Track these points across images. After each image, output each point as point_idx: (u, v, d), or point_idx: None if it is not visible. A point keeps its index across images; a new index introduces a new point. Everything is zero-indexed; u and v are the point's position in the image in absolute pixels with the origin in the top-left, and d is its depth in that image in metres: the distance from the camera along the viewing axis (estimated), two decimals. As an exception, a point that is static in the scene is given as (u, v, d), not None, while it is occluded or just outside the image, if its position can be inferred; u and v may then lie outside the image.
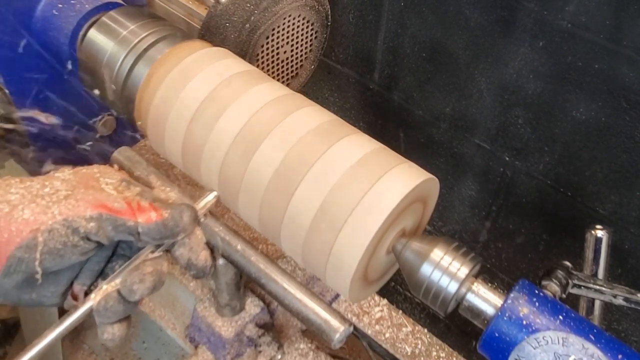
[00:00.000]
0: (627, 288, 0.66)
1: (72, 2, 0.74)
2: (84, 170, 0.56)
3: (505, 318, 0.53)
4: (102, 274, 0.55)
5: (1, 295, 0.50)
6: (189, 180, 0.92)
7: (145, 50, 0.69)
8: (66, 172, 0.55)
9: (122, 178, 0.56)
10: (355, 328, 0.79)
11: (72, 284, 0.54)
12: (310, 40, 0.91)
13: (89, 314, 0.51)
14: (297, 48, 0.89)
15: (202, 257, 0.54)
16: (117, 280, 0.51)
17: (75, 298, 0.54)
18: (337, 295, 0.83)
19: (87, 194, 0.52)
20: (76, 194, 0.52)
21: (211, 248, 0.58)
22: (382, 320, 0.80)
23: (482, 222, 1.05)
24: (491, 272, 1.08)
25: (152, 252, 0.53)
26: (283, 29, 0.85)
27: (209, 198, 0.57)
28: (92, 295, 0.51)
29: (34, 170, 0.90)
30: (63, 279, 0.53)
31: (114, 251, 0.55)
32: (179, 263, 0.54)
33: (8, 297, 0.51)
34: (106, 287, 0.51)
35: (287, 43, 0.87)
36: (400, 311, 0.81)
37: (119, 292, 0.51)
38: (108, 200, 0.52)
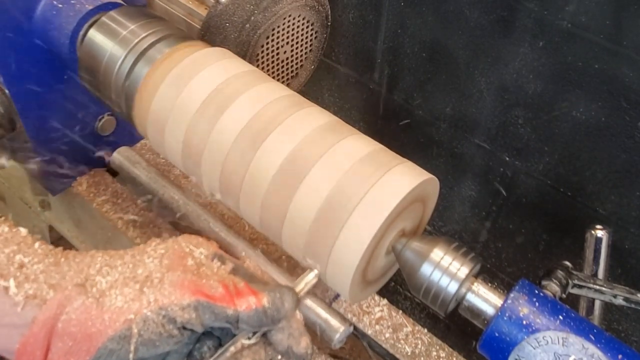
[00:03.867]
0: (627, 288, 0.66)
1: (72, 2, 0.74)
2: (175, 245, 0.52)
3: (505, 318, 0.53)
4: (189, 355, 0.51)
5: None
6: (189, 180, 0.92)
7: (145, 50, 0.69)
8: (157, 248, 0.52)
9: (214, 251, 0.53)
10: (355, 328, 0.79)
11: None
12: (310, 40, 0.91)
13: None
14: (297, 48, 0.89)
15: (303, 344, 0.51)
16: None
17: None
18: (337, 295, 0.83)
19: (182, 277, 0.48)
20: (171, 276, 0.48)
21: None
22: (382, 320, 0.80)
23: (482, 222, 1.05)
24: (491, 272, 1.08)
25: (248, 337, 0.49)
26: (283, 29, 0.85)
27: (310, 277, 0.54)
28: None
29: (34, 170, 0.90)
30: None
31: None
32: (276, 349, 0.51)
33: None
34: None
35: (287, 43, 0.87)
36: (400, 311, 0.81)
37: None
38: (205, 286, 0.48)
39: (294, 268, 0.81)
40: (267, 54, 0.85)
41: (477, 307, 0.56)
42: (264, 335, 0.51)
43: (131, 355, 0.46)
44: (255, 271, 0.55)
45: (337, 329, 0.58)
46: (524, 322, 0.53)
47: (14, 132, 0.83)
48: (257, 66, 0.85)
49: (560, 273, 0.63)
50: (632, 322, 0.94)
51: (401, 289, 1.25)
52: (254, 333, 0.50)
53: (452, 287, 0.56)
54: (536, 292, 0.55)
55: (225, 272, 0.51)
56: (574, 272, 0.64)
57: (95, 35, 0.72)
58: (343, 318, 0.59)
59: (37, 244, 0.52)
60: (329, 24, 0.92)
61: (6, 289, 0.48)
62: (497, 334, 0.53)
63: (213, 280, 0.49)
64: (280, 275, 0.62)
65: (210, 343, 0.51)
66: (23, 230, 0.53)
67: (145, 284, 0.48)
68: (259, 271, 0.58)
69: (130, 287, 0.48)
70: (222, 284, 0.49)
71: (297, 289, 0.52)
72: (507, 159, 0.94)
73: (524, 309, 0.53)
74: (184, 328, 0.48)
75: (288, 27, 0.85)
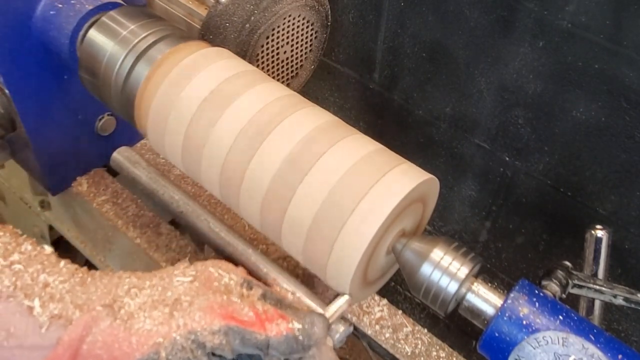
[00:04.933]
0: (627, 288, 0.66)
1: (72, 2, 0.74)
2: (204, 269, 0.52)
3: (505, 318, 0.53)
4: None
5: None
6: (189, 180, 0.92)
7: (145, 50, 0.69)
8: (186, 271, 0.51)
9: (243, 277, 0.52)
10: (355, 328, 0.79)
11: None
12: (310, 40, 0.91)
13: None
14: (297, 48, 0.89)
15: None
16: None
17: None
18: (337, 295, 0.83)
19: (212, 300, 0.48)
20: (200, 300, 0.48)
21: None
22: (382, 320, 0.80)
23: (482, 222, 1.05)
24: (491, 272, 1.08)
25: None
26: (283, 29, 0.85)
27: (340, 303, 0.53)
28: None
29: (34, 170, 0.90)
30: None
31: None
32: None
33: None
34: None
35: (287, 43, 0.87)
36: (400, 311, 0.81)
37: None
38: (235, 310, 0.48)
39: (294, 268, 0.81)
40: (267, 54, 0.85)
41: (477, 307, 0.56)
42: None
43: None
44: (284, 296, 0.55)
45: (337, 329, 0.58)
46: (524, 322, 0.53)
47: (14, 132, 0.83)
48: (257, 66, 0.85)
49: (560, 273, 0.63)
50: (632, 322, 0.94)
51: (401, 289, 1.25)
52: None
53: (452, 287, 0.56)
54: (536, 292, 0.55)
55: (255, 298, 0.51)
56: (574, 272, 0.64)
57: (95, 35, 0.72)
58: (343, 318, 0.59)
59: (62, 263, 0.51)
60: (329, 24, 0.92)
61: (30, 309, 0.47)
62: (497, 334, 0.53)
63: (243, 305, 0.49)
64: (282, 277, 0.62)
65: None
66: (48, 249, 0.52)
67: (175, 307, 0.47)
68: (289, 296, 0.57)
69: (159, 310, 0.47)
70: (252, 308, 0.49)
71: (328, 315, 0.52)
72: (507, 159, 0.94)
73: (524, 309, 0.53)
74: (213, 354, 0.47)
75: (288, 27, 0.85)
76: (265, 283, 0.61)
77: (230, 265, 0.54)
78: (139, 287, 0.49)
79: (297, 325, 0.48)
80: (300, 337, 0.48)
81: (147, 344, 0.45)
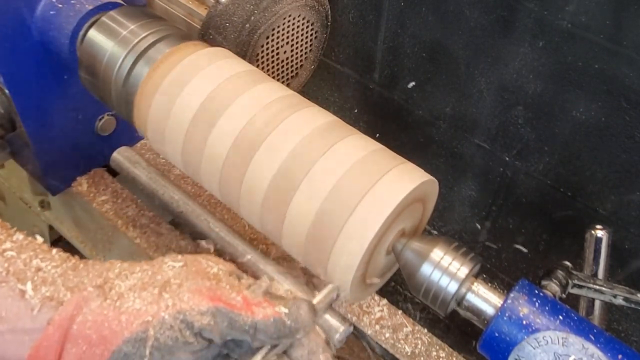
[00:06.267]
0: (627, 288, 0.66)
1: (72, 2, 0.74)
2: (194, 259, 0.52)
3: (505, 318, 0.53)
4: None
5: None
6: (189, 180, 0.92)
7: (145, 50, 0.69)
8: (176, 259, 0.52)
9: (232, 269, 0.53)
10: (355, 328, 0.79)
11: None
12: (310, 40, 0.91)
13: None
14: (297, 48, 0.89)
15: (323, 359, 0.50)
16: None
17: None
18: (337, 295, 0.83)
19: (201, 284, 0.48)
20: (190, 284, 0.48)
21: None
22: (382, 320, 0.80)
23: (482, 222, 1.05)
24: (491, 272, 1.08)
25: (265, 356, 0.48)
26: (283, 29, 0.85)
27: (327, 291, 0.54)
28: None
29: (34, 170, 0.90)
30: None
31: (219, 351, 0.50)
32: None
33: None
34: None
35: (287, 43, 0.87)
36: (400, 311, 0.81)
37: None
38: (224, 294, 0.48)
39: (294, 268, 0.81)
40: (267, 54, 0.85)
41: (477, 307, 0.56)
42: (285, 352, 0.50)
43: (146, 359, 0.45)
44: (273, 289, 0.55)
45: (337, 329, 0.58)
46: (524, 322, 0.53)
47: (14, 132, 0.83)
48: (257, 66, 0.85)
49: (560, 273, 0.63)
50: (632, 322, 0.94)
51: (401, 289, 1.25)
52: (272, 349, 0.49)
53: (452, 287, 0.56)
54: (536, 292, 0.55)
55: (243, 288, 0.51)
56: (574, 272, 0.64)
57: (95, 35, 0.72)
58: (343, 318, 0.59)
59: (54, 251, 0.52)
60: (329, 24, 0.92)
61: (22, 292, 0.47)
62: (497, 334, 0.53)
63: (231, 290, 0.49)
64: (282, 277, 0.62)
65: None
66: (39, 238, 0.53)
67: (164, 288, 0.48)
68: (278, 289, 0.58)
69: (148, 292, 0.47)
70: (240, 294, 0.49)
71: (315, 302, 0.52)
72: (507, 159, 0.94)
73: (524, 309, 0.53)
74: (202, 336, 0.47)
75: (288, 27, 0.85)
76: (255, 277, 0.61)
77: (220, 259, 0.54)
78: (130, 270, 0.50)
79: (283, 310, 0.49)
80: (288, 321, 0.48)
81: (136, 322, 0.45)
